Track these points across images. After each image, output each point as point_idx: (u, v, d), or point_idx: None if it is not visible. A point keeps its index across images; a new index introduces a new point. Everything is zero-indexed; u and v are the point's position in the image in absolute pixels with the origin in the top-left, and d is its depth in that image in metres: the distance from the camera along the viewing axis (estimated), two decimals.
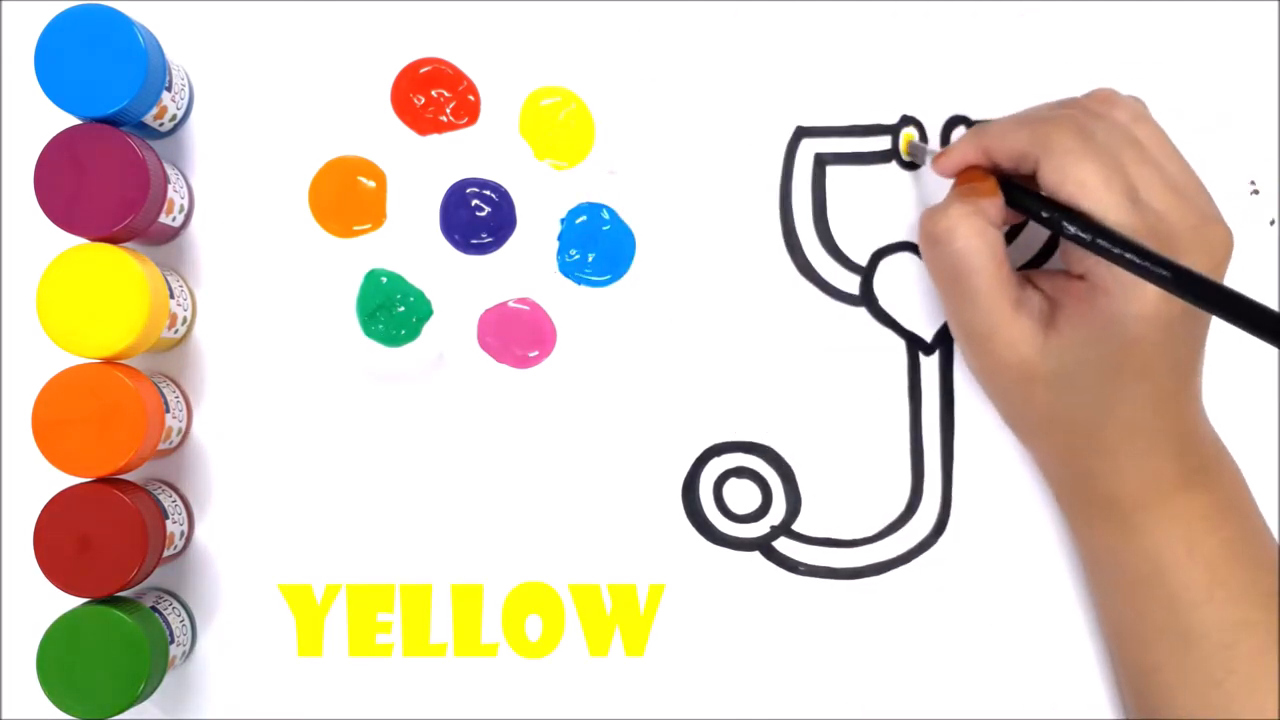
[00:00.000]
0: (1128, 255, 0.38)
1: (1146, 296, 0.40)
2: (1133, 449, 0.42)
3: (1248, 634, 0.42)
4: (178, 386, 0.46)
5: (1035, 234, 0.48)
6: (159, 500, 0.44)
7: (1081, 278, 0.42)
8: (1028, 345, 0.42)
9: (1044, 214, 0.41)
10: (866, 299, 0.48)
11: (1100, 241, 0.39)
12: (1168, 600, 0.42)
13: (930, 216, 0.43)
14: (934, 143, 0.48)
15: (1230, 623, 0.42)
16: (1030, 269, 0.47)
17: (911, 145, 0.47)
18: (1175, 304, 0.40)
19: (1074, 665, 0.48)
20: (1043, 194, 0.42)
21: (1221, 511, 0.43)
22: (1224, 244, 0.41)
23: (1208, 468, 0.43)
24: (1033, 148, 0.41)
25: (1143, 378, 0.41)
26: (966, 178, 0.44)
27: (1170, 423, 0.42)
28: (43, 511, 0.42)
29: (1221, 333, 0.43)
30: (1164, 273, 0.37)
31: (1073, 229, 0.40)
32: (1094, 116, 0.42)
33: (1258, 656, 0.41)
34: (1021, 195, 0.42)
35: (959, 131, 0.48)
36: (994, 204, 0.42)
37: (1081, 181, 0.40)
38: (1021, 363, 0.42)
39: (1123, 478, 0.43)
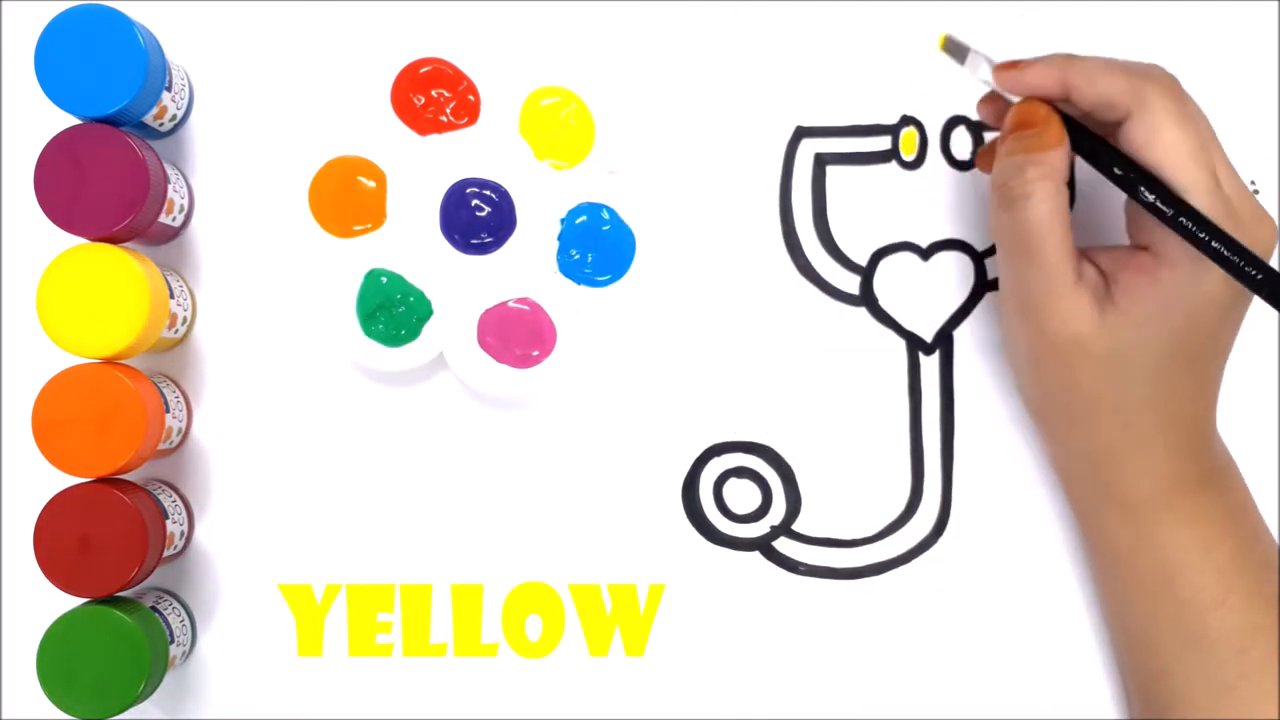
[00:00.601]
0: (1214, 244, 0.36)
1: (1215, 274, 0.38)
2: (1163, 442, 0.41)
3: (1261, 639, 0.41)
4: (178, 386, 0.46)
5: None
6: (159, 500, 0.44)
7: (1145, 249, 0.40)
8: (1085, 320, 0.40)
9: (1118, 171, 0.38)
10: (866, 299, 0.48)
11: (1184, 220, 0.37)
12: (1180, 604, 0.42)
13: (1004, 173, 0.40)
14: (934, 143, 0.48)
15: (1243, 627, 0.41)
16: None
17: (949, 41, 0.42)
18: (1235, 289, 0.39)
19: (1074, 665, 0.48)
20: (1121, 151, 0.39)
21: (1233, 515, 0.43)
22: (1272, 241, 0.40)
23: (1223, 470, 0.43)
24: (1126, 98, 0.39)
25: (1191, 366, 0.40)
26: (1026, 114, 0.40)
27: (1199, 420, 0.42)
28: (43, 511, 0.42)
29: None
30: (1255, 274, 0.35)
31: (1151, 197, 0.37)
32: (1182, 88, 0.40)
33: (1270, 661, 0.41)
34: (1097, 146, 0.39)
35: (959, 131, 0.48)
36: (1062, 157, 0.39)
37: (1172, 146, 0.38)
38: (1075, 338, 0.40)
39: (1147, 473, 0.42)
